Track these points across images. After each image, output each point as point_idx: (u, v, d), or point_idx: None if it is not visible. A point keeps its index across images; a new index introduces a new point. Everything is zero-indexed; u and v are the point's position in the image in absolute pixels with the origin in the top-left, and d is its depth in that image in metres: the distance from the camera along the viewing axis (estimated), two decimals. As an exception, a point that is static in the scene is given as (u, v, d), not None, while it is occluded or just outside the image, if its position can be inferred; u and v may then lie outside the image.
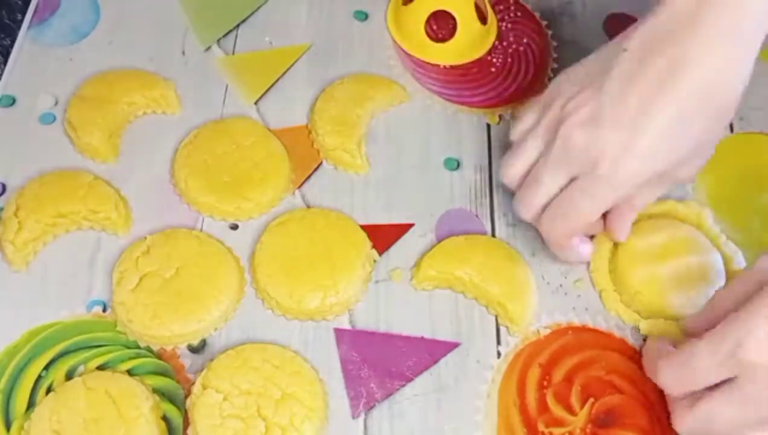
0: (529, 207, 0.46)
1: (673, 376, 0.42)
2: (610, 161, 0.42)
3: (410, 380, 0.46)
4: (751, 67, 0.42)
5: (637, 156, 0.42)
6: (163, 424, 0.43)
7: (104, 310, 0.46)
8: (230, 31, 0.59)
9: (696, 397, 0.41)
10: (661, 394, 0.45)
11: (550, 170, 0.44)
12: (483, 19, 0.58)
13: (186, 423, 0.43)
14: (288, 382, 0.43)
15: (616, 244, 0.50)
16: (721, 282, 0.49)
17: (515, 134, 0.48)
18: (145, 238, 0.48)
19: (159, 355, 0.45)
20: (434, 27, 0.59)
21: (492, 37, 0.60)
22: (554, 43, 0.61)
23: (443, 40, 0.58)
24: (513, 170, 0.47)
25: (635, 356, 0.47)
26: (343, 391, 0.45)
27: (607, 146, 0.42)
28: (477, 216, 0.52)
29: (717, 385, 0.40)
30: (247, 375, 0.43)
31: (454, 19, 0.57)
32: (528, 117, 0.47)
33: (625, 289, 0.48)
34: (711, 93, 0.42)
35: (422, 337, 0.47)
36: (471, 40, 0.58)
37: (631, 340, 0.48)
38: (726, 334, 0.39)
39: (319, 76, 0.57)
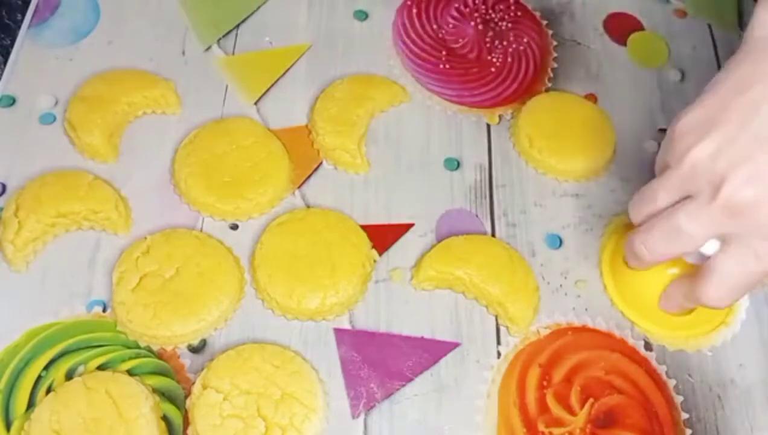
0: (658, 255, 0.43)
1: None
2: None
3: (410, 380, 0.46)
4: None
5: None
6: (163, 424, 0.43)
7: (104, 310, 0.46)
8: (230, 31, 0.59)
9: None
10: (661, 394, 0.45)
11: (701, 225, 0.40)
12: None
13: (186, 423, 0.43)
14: (288, 382, 0.43)
15: (614, 265, 0.50)
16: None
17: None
18: (145, 238, 0.48)
19: (159, 355, 0.45)
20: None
21: None
22: (554, 43, 0.61)
23: None
24: (641, 215, 0.43)
25: (635, 356, 0.47)
26: (343, 391, 0.45)
27: None
28: (477, 216, 0.52)
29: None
30: (247, 375, 0.43)
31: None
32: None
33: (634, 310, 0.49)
34: None
35: (422, 337, 0.47)
36: None
37: (631, 340, 0.48)
38: None
39: (319, 76, 0.57)
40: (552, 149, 0.54)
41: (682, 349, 0.48)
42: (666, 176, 0.42)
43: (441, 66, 0.58)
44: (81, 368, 0.44)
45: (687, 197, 0.41)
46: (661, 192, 0.42)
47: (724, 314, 0.49)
